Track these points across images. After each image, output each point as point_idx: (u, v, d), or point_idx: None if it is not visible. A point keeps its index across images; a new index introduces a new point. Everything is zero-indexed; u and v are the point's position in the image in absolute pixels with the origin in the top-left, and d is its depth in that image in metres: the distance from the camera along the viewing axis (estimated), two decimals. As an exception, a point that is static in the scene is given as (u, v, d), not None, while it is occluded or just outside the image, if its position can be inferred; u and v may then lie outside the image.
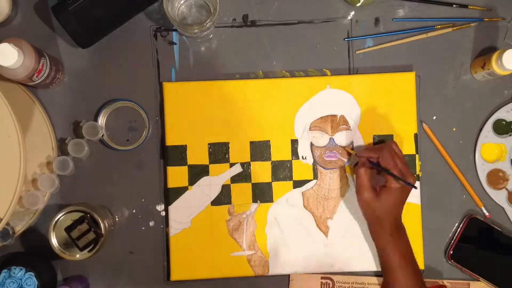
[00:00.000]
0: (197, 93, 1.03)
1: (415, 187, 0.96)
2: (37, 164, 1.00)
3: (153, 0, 1.02)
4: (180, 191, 1.03)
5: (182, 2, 1.03)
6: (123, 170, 1.04)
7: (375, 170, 0.99)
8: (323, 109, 1.04)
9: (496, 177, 1.06)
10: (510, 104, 1.06)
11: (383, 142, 1.04)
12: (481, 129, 1.06)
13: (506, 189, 1.06)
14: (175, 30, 1.05)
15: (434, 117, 1.06)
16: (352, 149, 1.04)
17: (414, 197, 1.04)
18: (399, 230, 0.99)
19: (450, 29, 1.06)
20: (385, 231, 0.97)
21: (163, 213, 1.04)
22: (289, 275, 1.04)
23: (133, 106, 1.04)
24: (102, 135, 1.03)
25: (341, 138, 1.04)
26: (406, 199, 0.98)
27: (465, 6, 1.07)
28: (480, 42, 1.07)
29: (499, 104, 1.07)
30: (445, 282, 1.05)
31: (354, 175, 1.03)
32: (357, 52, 1.06)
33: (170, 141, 1.03)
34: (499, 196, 1.06)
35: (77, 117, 1.04)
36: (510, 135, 1.06)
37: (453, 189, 1.06)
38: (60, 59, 1.04)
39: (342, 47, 1.06)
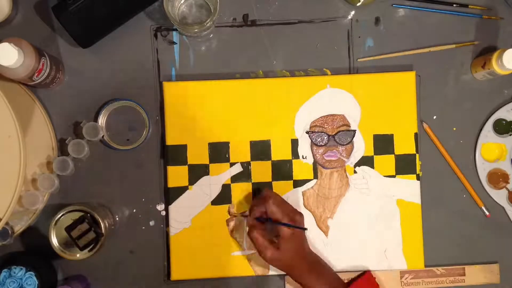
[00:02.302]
0: (197, 93, 1.03)
1: (305, 229, 0.97)
2: (37, 164, 1.00)
3: (153, -1, 1.02)
4: (180, 190, 1.03)
5: (182, 1, 1.03)
6: (123, 170, 1.04)
7: (265, 224, 0.98)
8: (323, 109, 1.04)
9: (497, 177, 1.06)
10: (510, 103, 1.06)
11: (259, 190, 1.04)
12: (481, 129, 1.06)
13: (507, 188, 1.06)
14: (175, 29, 1.05)
15: (435, 117, 1.06)
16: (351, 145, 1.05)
17: (415, 196, 1.04)
18: (315, 265, 0.98)
19: (453, 46, 1.06)
20: (302, 273, 0.96)
21: (163, 213, 1.04)
22: (284, 277, 1.04)
23: (133, 105, 1.04)
24: (103, 136, 1.03)
25: (342, 138, 1.04)
26: (304, 237, 0.98)
27: (466, 6, 1.06)
28: (481, 41, 1.07)
29: (499, 104, 1.06)
30: (440, 269, 1.05)
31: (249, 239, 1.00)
32: (358, 60, 1.06)
33: (170, 140, 1.03)
34: (499, 196, 1.06)
35: (77, 117, 1.04)
36: (510, 135, 1.06)
37: (453, 188, 1.06)
38: (60, 59, 1.04)
39: (342, 46, 1.06)
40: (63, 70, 1.03)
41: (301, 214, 0.97)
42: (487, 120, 1.06)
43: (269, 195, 0.97)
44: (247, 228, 0.98)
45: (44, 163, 1.01)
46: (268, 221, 0.96)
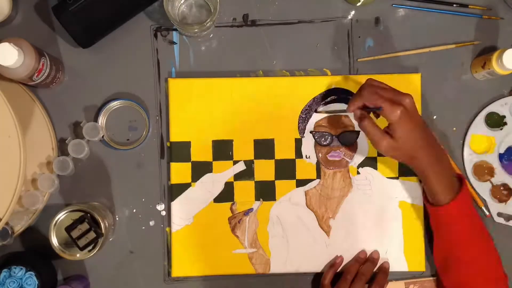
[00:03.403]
0: (202, 90, 1.03)
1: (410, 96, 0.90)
2: (37, 164, 1.00)
3: (153, -1, 1.02)
4: (183, 187, 1.03)
5: (182, 1, 1.03)
6: (123, 170, 1.04)
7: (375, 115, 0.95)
8: (327, 109, 1.04)
9: (482, 169, 1.06)
10: (504, 98, 1.06)
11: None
12: (473, 120, 1.06)
13: (491, 182, 1.06)
14: (175, 29, 1.05)
15: (435, 117, 1.06)
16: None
17: (417, 198, 1.04)
18: (438, 156, 0.93)
19: (453, 46, 1.06)
20: (424, 164, 0.92)
21: (163, 213, 1.04)
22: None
23: (133, 105, 1.04)
24: (103, 136, 1.03)
25: (345, 138, 1.04)
26: (418, 120, 0.91)
27: (466, 6, 1.07)
28: (481, 41, 1.07)
29: (493, 97, 1.07)
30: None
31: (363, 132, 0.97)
32: (358, 60, 1.06)
33: (174, 137, 1.03)
34: (482, 188, 1.06)
35: (77, 117, 1.04)
36: (501, 129, 1.06)
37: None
38: (61, 59, 1.04)
39: (342, 46, 1.06)
40: (63, 70, 1.03)
41: (410, 96, 0.89)
42: (479, 112, 1.06)
43: (367, 82, 0.93)
44: (357, 119, 0.92)
45: (44, 163, 1.00)
46: (371, 109, 0.91)
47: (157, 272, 1.04)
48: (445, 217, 0.95)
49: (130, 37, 1.05)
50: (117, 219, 1.04)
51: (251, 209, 1.04)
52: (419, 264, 1.04)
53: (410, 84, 1.04)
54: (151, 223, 1.04)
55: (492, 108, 1.06)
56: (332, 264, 1.03)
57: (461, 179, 0.96)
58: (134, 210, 1.04)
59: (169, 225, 1.04)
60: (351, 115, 1.04)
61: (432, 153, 0.93)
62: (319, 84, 1.04)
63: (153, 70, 1.05)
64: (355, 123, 1.04)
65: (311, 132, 1.04)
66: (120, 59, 1.05)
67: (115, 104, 1.03)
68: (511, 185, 1.06)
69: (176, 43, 1.05)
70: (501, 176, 1.06)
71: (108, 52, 1.04)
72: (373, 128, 0.91)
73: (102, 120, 1.03)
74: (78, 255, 0.96)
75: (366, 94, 0.91)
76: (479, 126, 1.06)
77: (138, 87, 1.05)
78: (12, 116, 0.85)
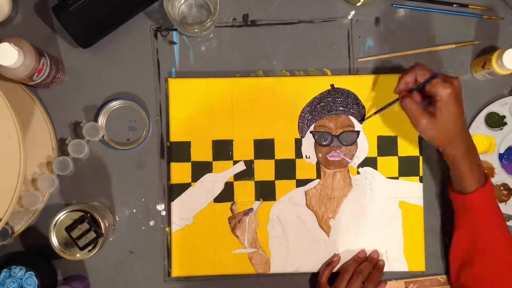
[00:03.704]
0: (202, 90, 1.04)
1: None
2: (37, 164, 1.00)
3: (154, -1, 1.02)
4: (183, 187, 1.03)
5: (182, 1, 1.03)
6: (123, 170, 1.04)
7: (420, 100, 0.93)
8: (327, 109, 1.04)
9: None
10: (504, 98, 1.06)
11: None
12: (473, 120, 1.06)
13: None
14: (175, 29, 1.05)
15: (435, 117, 1.06)
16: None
17: (417, 199, 1.04)
18: (471, 147, 0.94)
19: (453, 46, 1.06)
20: (459, 151, 0.92)
21: (164, 213, 1.04)
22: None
23: (133, 105, 1.04)
24: (103, 136, 1.03)
25: (345, 138, 1.04)
26: (462, 105, 0.90)
27: (466, 6, 1.07)
28: (481, 41, 1.07)
29: (493, 97, 1.07)
30: (444, 277, 1.05)
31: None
32: (358, 60, 1.06)
33: (174, 137, 1.03)
34: None
35: (77, 117, 1.04)
36: (501, 129, 1.06)
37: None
38: (61, 59, 1.04)
39: (342, 46, 1.06)
40: (63, 70, 1.03)
41: (459, 79, 0.89)
42: (479, 112, 1.06)
43: (418, 63, 0.92)
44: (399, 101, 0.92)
45: (44, 163, 1.00)
46: (420, 86, 0.90)
47: (157, 272, 1.04)
48: (472, 205, 0.95)
49: (130, 37, 1.05)
50: (117, 219, 1.04)
51: (251, 209, 1.04)
52: (419, 264, 1.04)
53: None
54: (151, 223, 1.04)
55: (492, 108, 1.06)
56: (329, 263, 1.03)
57: (485, 174, 0.96)
58: (134, 210, 1.04)
59: (169, 225, 1.04)
60: (353, 116, 1.04)
61: (467, 141, 0.94)
62: (319, 84, 1.04)
63: (153, 70, 1.05)
64: (355, 123, 1.04)
65: (311, 132, 1.04)
66: (120, 59, 1.05)
67: (115, 104, 1.03)
68: (511, 185, 1.06)
69: (176, 43, 1.05)
70: (501, 176, 1.06)
71: (108, 52, 1.04)
72: (415, 105, 0.90)
73: (102, 120, 1.03)
74: (78, 255, 0.96)
75: (419, 70, 0.91)
76: (479, 126, 1.06)
77: (138, 87, 1.05)
78: (12, 116, 0.85)
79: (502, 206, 1.05)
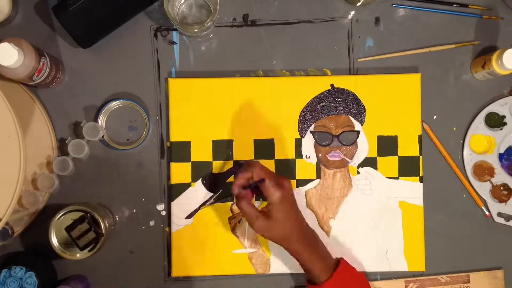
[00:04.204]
0: (202, 90, 1.03)
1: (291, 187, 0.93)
2: (37, 164, 1.00)
3: (154, -1, 1.02)
4: (183, 187, 1.03)
5: (182, 1, 1.03)
6: (123, 170, 1.04)
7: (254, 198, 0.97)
8: (327, 109, 1.04)
9: (482, 169, 1.06)
10: (504, 98, 1.06)
11: (238, 164, 1.02)
12: (472, 120, 1.06)
13: (490, 182, 1.06)
14: (175, 29, 1.05)
15: (435, 117, 1.06)
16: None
17: (417, 198, 1.04)
18: (311, 237, 0.96)
19: (453, 46, 1.06)
20: (297, 245, 0.94)
21: (163, 213, 1.04)
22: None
23: (133, 105, 1.04)
24: (103, 136, 1.03)
25: (345, 138, 1.04)
26: (294, 202, 0.94)
27: (466, 6, 1.07)
28: (481, 41, 1.07)
29: (493, 97, 1.07)
30: (445, 277, 1.05)
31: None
32: (358, 60, 1.06)
33: (174, 137, 1.03)
34: (482, 188, 1.06)
35: (77, 117, 1.04)
36: (501, 129, 1.06)
37: (454, 188, 1.06)
38: (61, 59, 1.04)
39: (342, 46, 1.06)
40: (63, 70, 1.03)
41: (289, 181, 0.92)
42: (479, 112, 1.06)
43: (254, 162, 0.94)
44: (234, 205, 0.95)
45: (44, 163, 1.01)
46: (254, 185, 0.92)
47: (157, 272, 1.04)
48: None
49: (130, 37, 1.05)
50: (117, 219, 1.04)
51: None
52: (419, 264, 1.04)
53: (410, 84, 1.04)
54: (151, 223, 1.04)
55: (492, 108, 1.06)
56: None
57: (338, 261, 0.97)
58: (134, 210, 1.04)
59: (169, 225, 1.04)
60: (353, 116, 1.04)
61: (306, 235, 0.96)
62: (319, 84, 1.04)
63: (153, 70, 1.05)
64: (355, 122, 1.04)
65: (311, 132, 1.04)
66: (120, 59, 1.05)
67: (115, 104, 1.03)
68: (511, 185, 1.06)
69: (176, 43, 1.05)
70: (501, 176, 1.06)
71: (108, 52, 1.04)
72: (250, 207, 0.91)
73: (102, 120, 1.03)
74: (78, 255, 0.96)
75: (256, 168, 0.92)
76: (479, 126, 1.06)
77: (138, 87, 1.05)
78: (12, 116, 0.84)
79: (502, 206, 1.05)
